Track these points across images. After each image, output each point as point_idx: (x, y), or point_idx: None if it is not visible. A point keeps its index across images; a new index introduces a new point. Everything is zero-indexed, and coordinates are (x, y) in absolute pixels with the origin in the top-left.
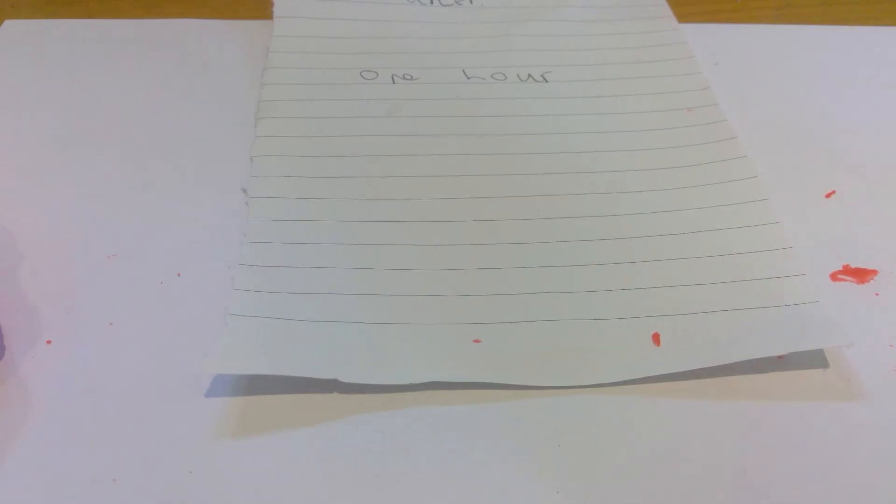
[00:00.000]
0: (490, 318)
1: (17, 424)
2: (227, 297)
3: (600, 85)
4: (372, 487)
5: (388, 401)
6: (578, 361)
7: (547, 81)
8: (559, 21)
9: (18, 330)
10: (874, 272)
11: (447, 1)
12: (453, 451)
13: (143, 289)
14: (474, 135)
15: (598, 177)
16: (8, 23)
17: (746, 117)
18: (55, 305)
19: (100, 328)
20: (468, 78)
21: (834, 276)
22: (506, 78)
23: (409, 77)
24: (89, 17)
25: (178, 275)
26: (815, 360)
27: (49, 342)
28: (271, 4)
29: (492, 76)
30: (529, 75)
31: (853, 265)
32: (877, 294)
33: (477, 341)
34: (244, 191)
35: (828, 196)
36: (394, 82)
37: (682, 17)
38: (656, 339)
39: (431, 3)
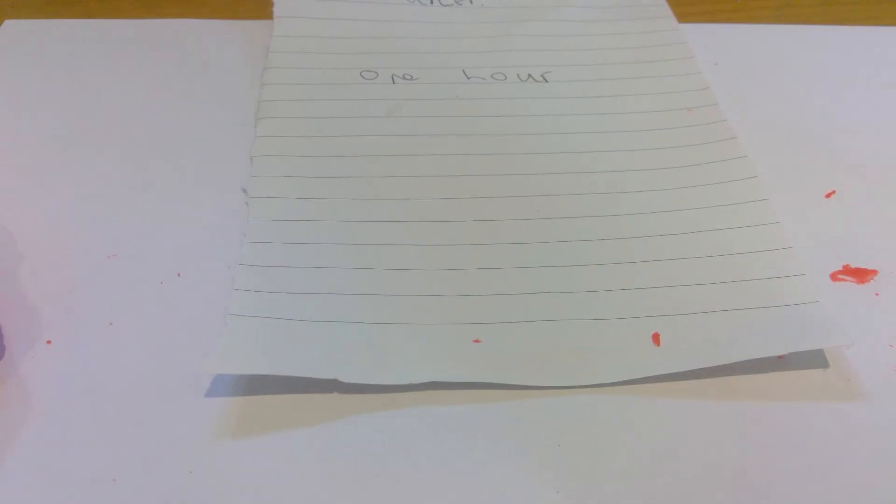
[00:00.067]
0: (490, 318)
1: (17, 424)
2: (227, 297)
3: (600, 85)
4: (372, 487)
5: (388, 401)
6: (578, 361)
7: (547, 81)
8: (559, 21)
9: (18, 330)
10: (874, 272)
11: (447, 1)
12: (453, 451)
13: (143, 289)
14: (474, 135)
15: (598, 177)
16: (8, 23)
17: (746, 117)
18: (55, 305)
19: (100, 328)
20: (468, 78)
21: (834, 276)
22: (506, 78)
23: (409, 77)
24: (89, 17)
25: (178, 275)
26: (815, 360)
27: (49, 342)
28: (271, 4)
29: (492, 76)
30: (529, 75)
31: (853, 265)
32: (877, 294)
33: (477, 341)
34: (244, 191)
35: (828, 196)
36: (394, 82)
37: (682, 17)
38: (656, 339)
39: (431, 3)
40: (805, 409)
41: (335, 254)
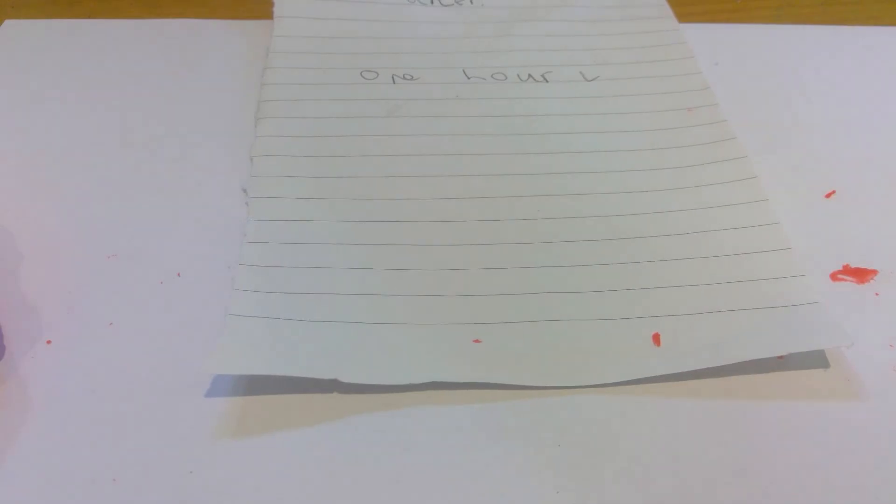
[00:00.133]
0: (490, 318)
1: (17, 424)
2: (227, 297)
3: (600, 85)
4: (372, 487)
5: (388, 401)
6: (579, 362)
7: (547, 81)
8: (559, 21)
9: (18, 330)
10: (874, 272)
11: (447, 1)
12: (453, 451)
13: (143, 289)
14: (474, 135)
15: (598, 177)
16: (8, 23)
17: (746, 117)
18: (55, 305)
19: (100, 328)
20: (468, 78)
21: (834, 276)
22: (506, 78)
23: (409, 77)
24: (89, 17)
25: (178, 275)
26: (815, 360)
27: (49, 342)
28: (271, 4)
29: (492, 76)
30: (529, 75)
31: (853, 265)
32: (877, 294)
33: (477, 341)
34: (244, 191)
35: (828, 196)
36: (394, 82)
37: (682, 17)
38: (656, 339)
39: (431, 3)
40: (805, 409)
41: (335, 254)
